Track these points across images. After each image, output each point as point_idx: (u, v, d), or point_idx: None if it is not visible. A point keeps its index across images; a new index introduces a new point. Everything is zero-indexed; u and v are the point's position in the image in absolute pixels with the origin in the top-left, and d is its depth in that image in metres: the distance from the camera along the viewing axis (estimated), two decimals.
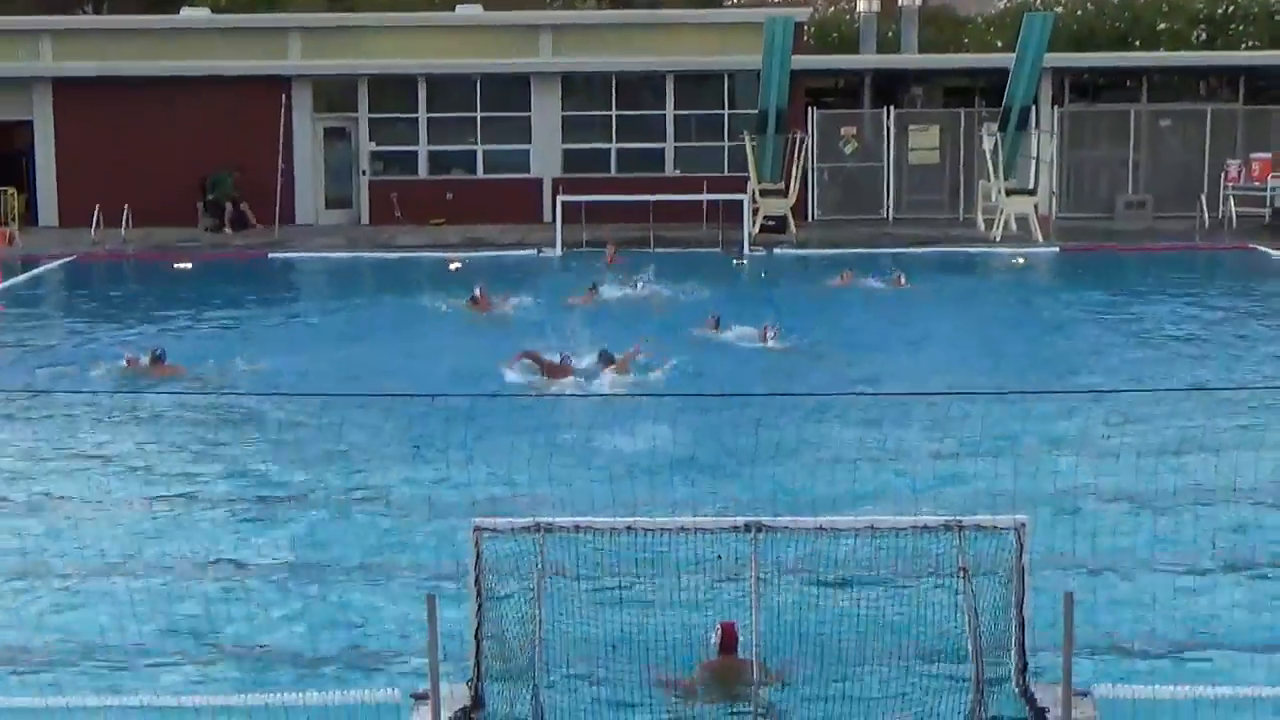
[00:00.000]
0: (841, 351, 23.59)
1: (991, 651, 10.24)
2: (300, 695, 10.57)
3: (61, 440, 18.26)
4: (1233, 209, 38.11)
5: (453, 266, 32.29)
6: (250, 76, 39.71)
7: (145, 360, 21.83)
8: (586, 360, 21.63)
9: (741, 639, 10.86)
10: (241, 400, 19.57)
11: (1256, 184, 38.67)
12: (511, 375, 21.21)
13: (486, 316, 26.54)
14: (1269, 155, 39.07)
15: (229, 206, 39.38)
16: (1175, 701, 10.19)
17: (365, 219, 40.66)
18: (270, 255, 35.49)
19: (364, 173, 40.89)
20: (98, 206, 37.35)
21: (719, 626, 11.10)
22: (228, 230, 38.98)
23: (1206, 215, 37.84)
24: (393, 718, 10.25)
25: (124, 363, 22.01)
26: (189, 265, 33.71)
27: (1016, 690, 10.27)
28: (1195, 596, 12.64)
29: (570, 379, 21.00)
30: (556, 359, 21.42)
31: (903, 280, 29.52)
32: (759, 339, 23.47)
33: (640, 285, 28.52)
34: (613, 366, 21.23)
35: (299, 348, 24.03)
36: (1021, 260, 34.16)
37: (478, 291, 27.17)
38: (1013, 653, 10.31)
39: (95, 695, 10.62)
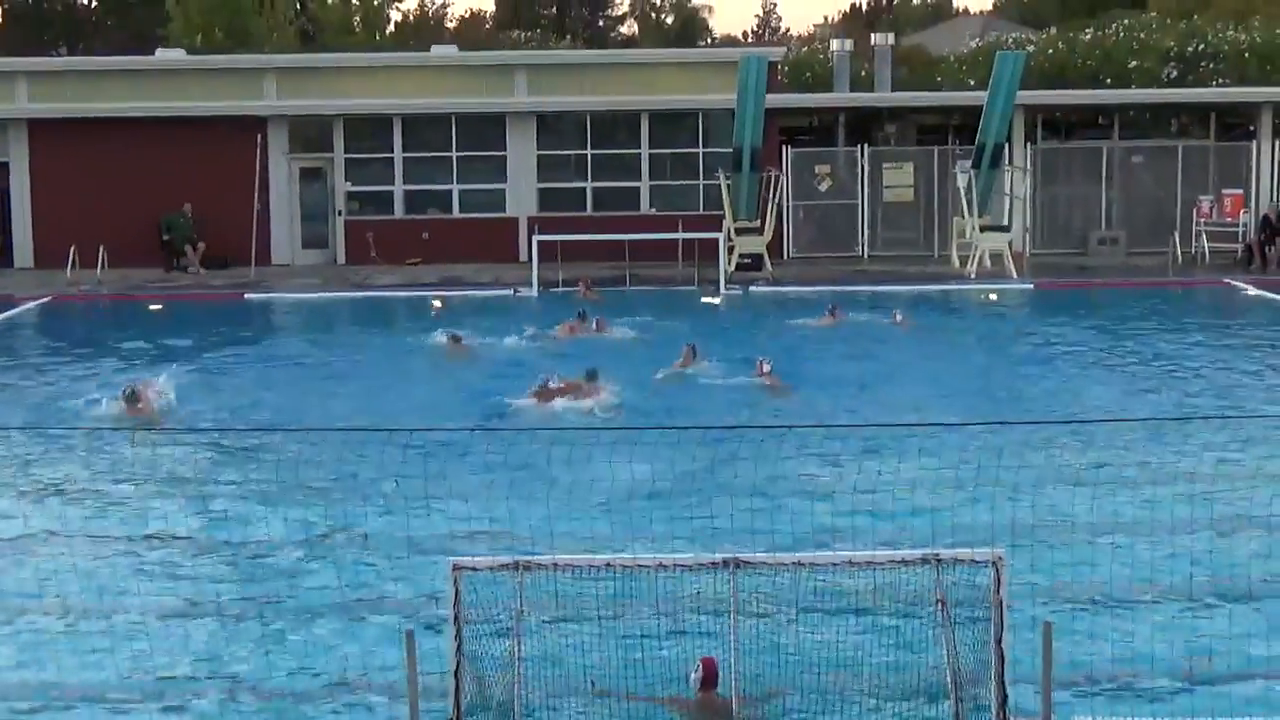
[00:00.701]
0: (828, 386, 23.71)
1: (970, 684, 10.24)
2: None
3: (38, 476, 18.22)
4: (1205, 244, 38.31)
5: (435, 305, 32.31)
6: (225, 117, 39.78)
7: (121, 400, 21.78)
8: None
9: (721, 675, 10.87)
10: (218, 438, 19.54)
11: (1229, 220, 38.91)
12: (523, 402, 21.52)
13: (465, 355, 26.58)
14: (1240, 191, 39.32)
15: (188, 248, 39.35)
16: None
17: (341, 259, 40.68)
18: (246, 296, 35.46)
19: (340, 212, 40.92)
20: (73, 247, 37.37)
21: (700, 663, 11.10)
22: (198, 270, 38.92)
23: (1179, 251, 38.03)
24: None
25: (104, 401, 21.96)
26: (160, 306, 33.68)
27: None
28: (1175, 628, 12.68)
29: (561, 401, 21.61)
30: (551, 384, 22.00)
31: (899, 317, 29.65)
32: (756, 373, 23.49)
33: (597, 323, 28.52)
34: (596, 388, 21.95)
35: (274, 388, 24.05)
36: (995, 296, 34.29)
37: (448, 335, 27.29)
38: (991, 685, 10.31)
39: None
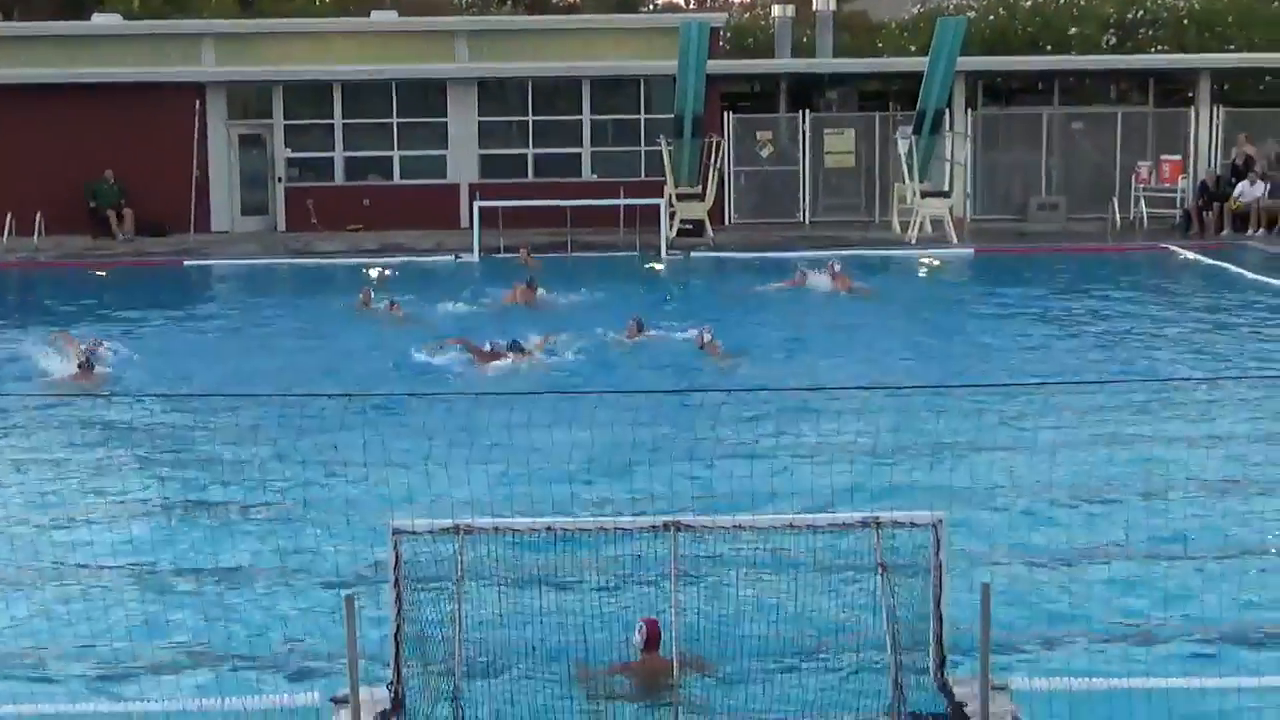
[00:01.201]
0: (771, 351, 23.78)
1: (910, 646, 10.29)
2: (218, 700, 10.52)
3: None
4: (1144, 210, 38.51)
5: (374, 273, 32.21)
6: (163, 83, 39.44)
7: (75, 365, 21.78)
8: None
9: (662, 637, 10.91)
10: (156, 406, 19.43)
11: (1167, 185, 39.10)
12: (437, 360, 21.50)
13: (404, 319, 26.56)
14: (1178, 157, 39.53)
15: (111, 214, 39.04)
16: (1091, 693, 10.29)
17: (281, 226, 40.45)
18: (185, 263, 35.23)
19: (279, 179, 40.68)
20: (10, 215, 37.04)
21: (642, 624, 11.13)
22: (129, 237, 38.62)
23: (1118, 216, 38.24)
24: None
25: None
26: (104, 273, 33.45)
27: (935, 684, 10.33)
28: (1112, 589, 12.77)
29: (502, 362, 21.79)
30: (486, 347, 22.12)
31: (836, 268, 29.68)
32: (696, 341, 23.49)
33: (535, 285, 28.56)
34: (524, 354, 21.97)
35: (214, 354, 23.94)
36: (936, 262, 34.41)
37: (381, 296, 27.55)
38: (931, 647, 10.37)
39: (12, 704, 10.52)
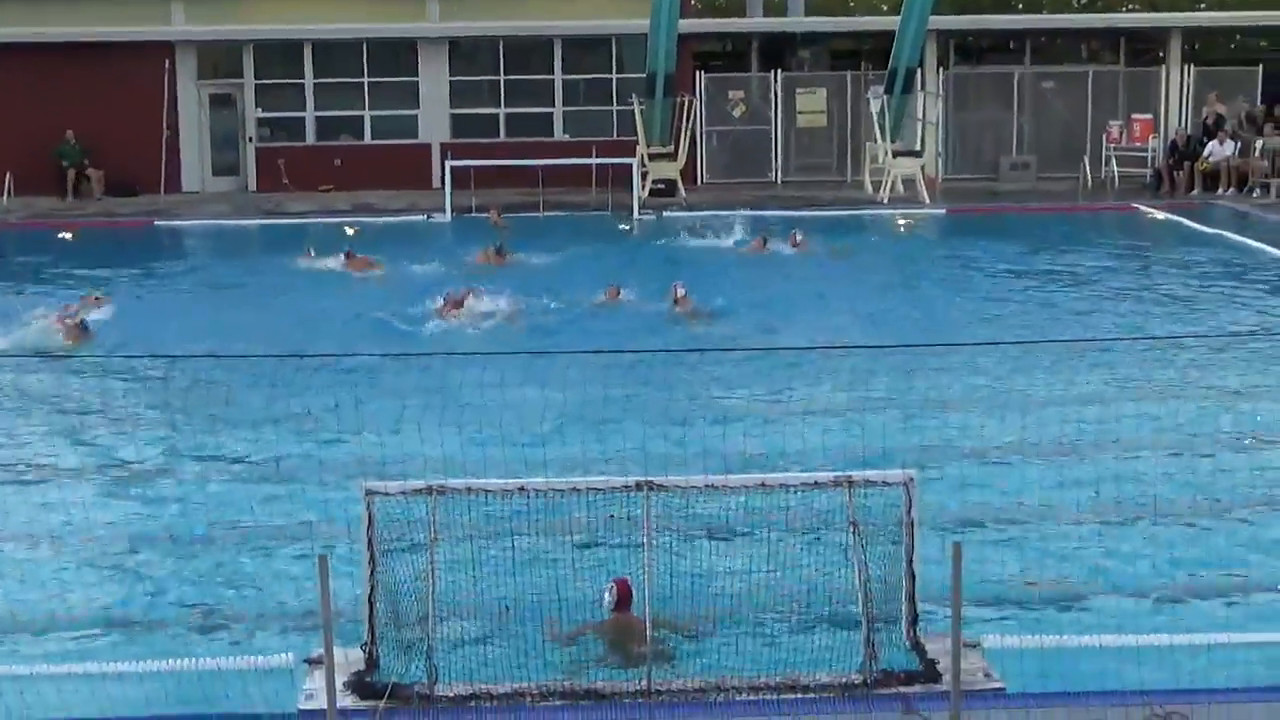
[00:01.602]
0: (744, 309, 23.81)
1: (881, 605, 10.34)
2: (192, 661, 10.52)
3: None
4: (1115, 169, 38.56)
5: (350, 232, 32.17)
6: (133, 43, 39.20)
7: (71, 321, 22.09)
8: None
9: (635, 596, 10.94)
10: (128, 366, 19.39)
11: (1138, 145, 39.15)
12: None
13: (377, 278, 26.66)
14: (1149, 116, 39.58)
15: (72, 173, 38.82)
16: (1062, 650, 10.36)
17: (253, 186, 40.30)
18: (156, 223, 35.09)
19: (250, 139, 40.51)
20: None
21: (613, 584, 11.16)
22: (99, 197, 38.48)
23: (1089, 176, 38.29)
24: (286, 682, 10.22)
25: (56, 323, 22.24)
26: (69, 235, 33.31)
27: (907, 642, 10.39)
28: (1081, 547, 12.84)
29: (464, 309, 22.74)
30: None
31: (798, 238, 29.69)
32: (671, 299, 23.49)
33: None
34: (455, 308, 22.78)
35: (186, 314, 23.88)
36: (908, 221, 34.43)
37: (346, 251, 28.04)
38: (903, 606, 10.42)
39: None
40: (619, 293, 24.30)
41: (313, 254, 28.32)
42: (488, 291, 23.94)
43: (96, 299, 23.73)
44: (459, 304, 22.99)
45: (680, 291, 23.39)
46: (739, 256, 29.32)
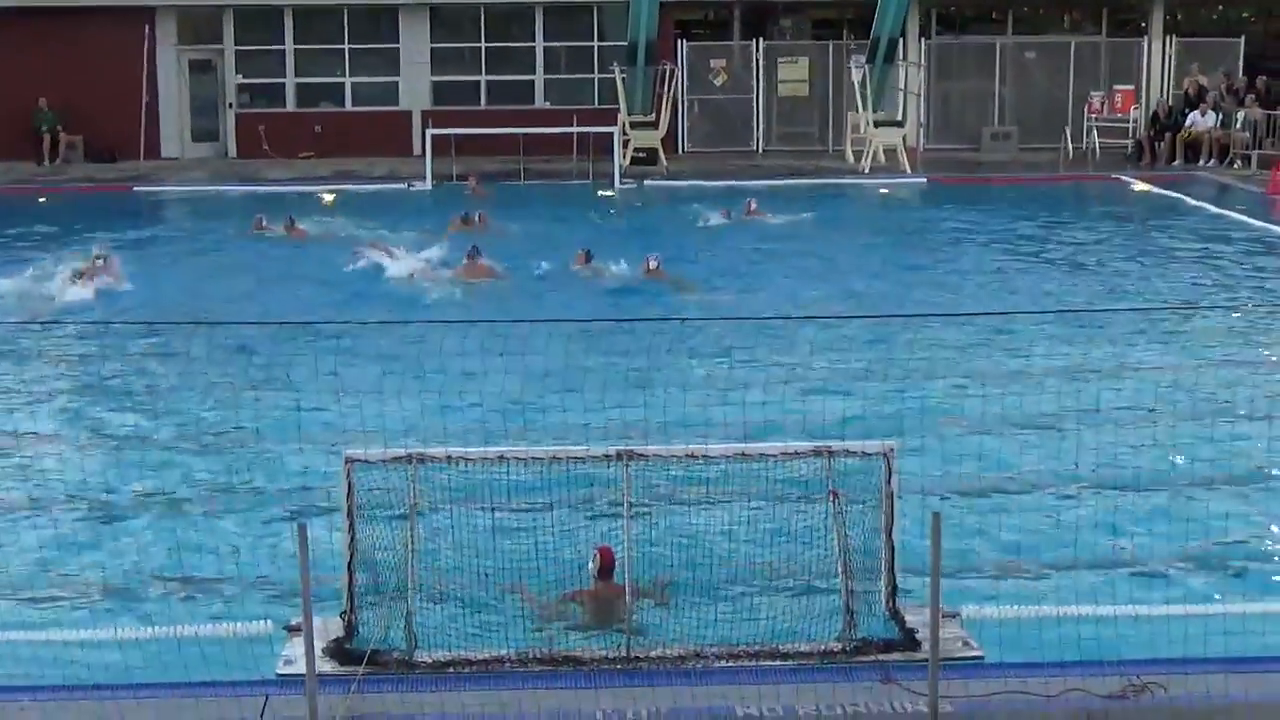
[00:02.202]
0: (719, 279, 23.81)
1: (861, 575, 10.37)
2: (172, 629, 10.53)
3: None
4: (1096, 140, 38.57)
5: (326, 199, 32.15)
6: (113, 8, 38.98)
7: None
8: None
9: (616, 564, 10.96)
10: (108, 332, 19.34)
11: (1119, 115, 39.15)
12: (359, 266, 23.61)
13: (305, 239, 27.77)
14: (1131, 87, 39.58)
15: (47, 138, 38.65)
16: (1040, 620, 10.40)
17: (232, 152, 40.17)
18: (135, 189, 34.97)
19: (230, 105, 40.37)
20: None
21: (597, 551, 11.17)
22: (75, 160, 38.33)
23: (1070, 146, 38.29)
24: (266, 650, 10.23)
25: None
26: (43, 199, 33.24)
27: (886, 612, 10.42)
28: (1059, 517, 12.88)
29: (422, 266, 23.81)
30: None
31: (753, 206, 29.64)
32: (644, 269, 23.48)
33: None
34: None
35: (163, 280, 23.84)
36: (889, 192, 34.46)
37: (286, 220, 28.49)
38: (882, 575, 10.45)
39: None
40: (588, 258, 24.31)
41: (264, 223, 28.33)
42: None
43: (102, 259, 23.93)
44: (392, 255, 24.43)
45: (653, 263, 23.39)
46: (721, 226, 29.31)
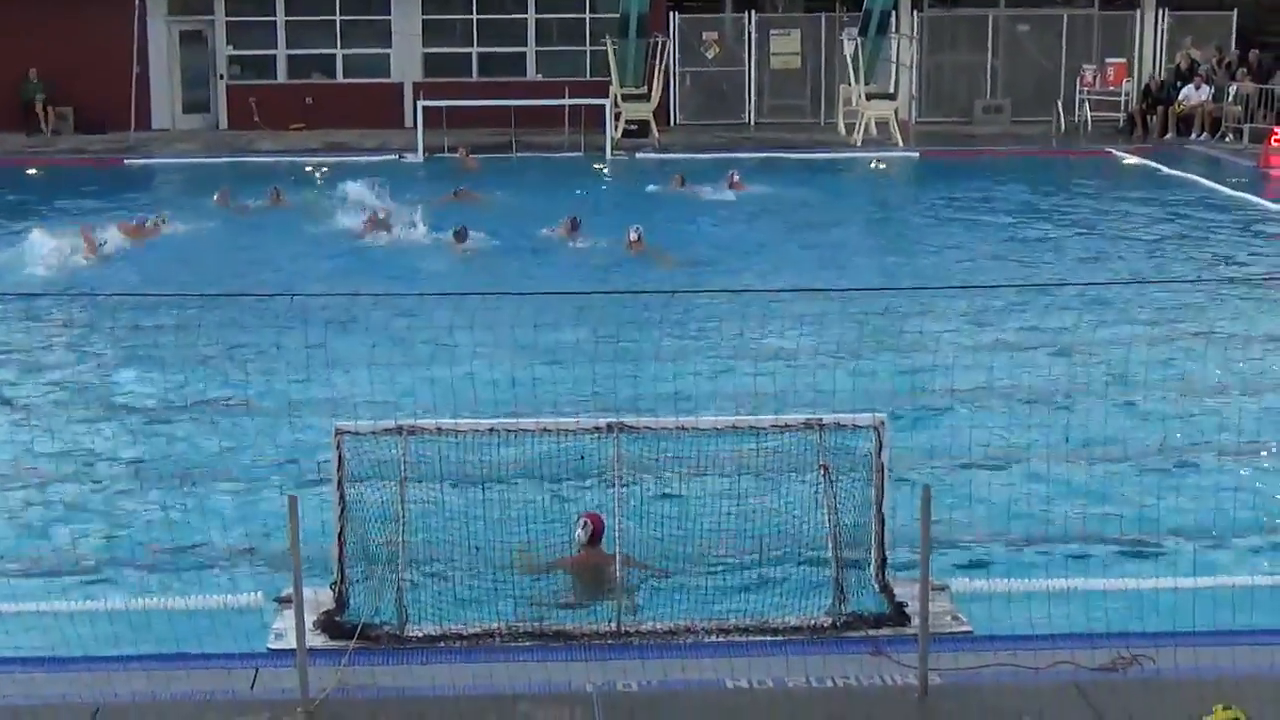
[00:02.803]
0: (702, 252, 23.81)
1: (851, 547, 10.39)
2: (162, 600, 10.54)
3: None
4: (1088, 113, 38.54)
5: (314, 171, 32.10)
6: None
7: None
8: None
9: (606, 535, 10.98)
10: (101, 304, 19.31)
11: (1111, 88, 39.12)
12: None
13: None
14: (1123, 60, 39.53)
15: (42, 110, 38.49)
16: (1029, 594, 10.42)
17: (223, 124, 40.06)
18: (126, 161, 34.89)
19: (221, 77, 40.25)
20: None
21: (586, 518, 11.19)
22: (59, 131, 38.26)
23: (1063, 119, 38.27)
24: (256, 622, 10.24)
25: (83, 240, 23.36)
26: (34, 170, 33.18)
27: (876, 585, 10.44)
28: (1049, 491, 12.90)
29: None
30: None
31: (736, 179, 29.62)
32: (626, 241, 23.47)
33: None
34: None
35: (150, 253, 23.82)
36: (881, 165, 34.44)
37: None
38: (872, 548, 10.47)
39: None
40: (573, 226, 24.37)
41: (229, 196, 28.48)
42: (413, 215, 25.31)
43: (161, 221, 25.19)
44: (380, 224, 24.87)
45: (633, 235, 23.41)
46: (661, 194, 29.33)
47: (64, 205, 28.40)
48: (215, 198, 28.37)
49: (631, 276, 21.42)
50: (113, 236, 24.07)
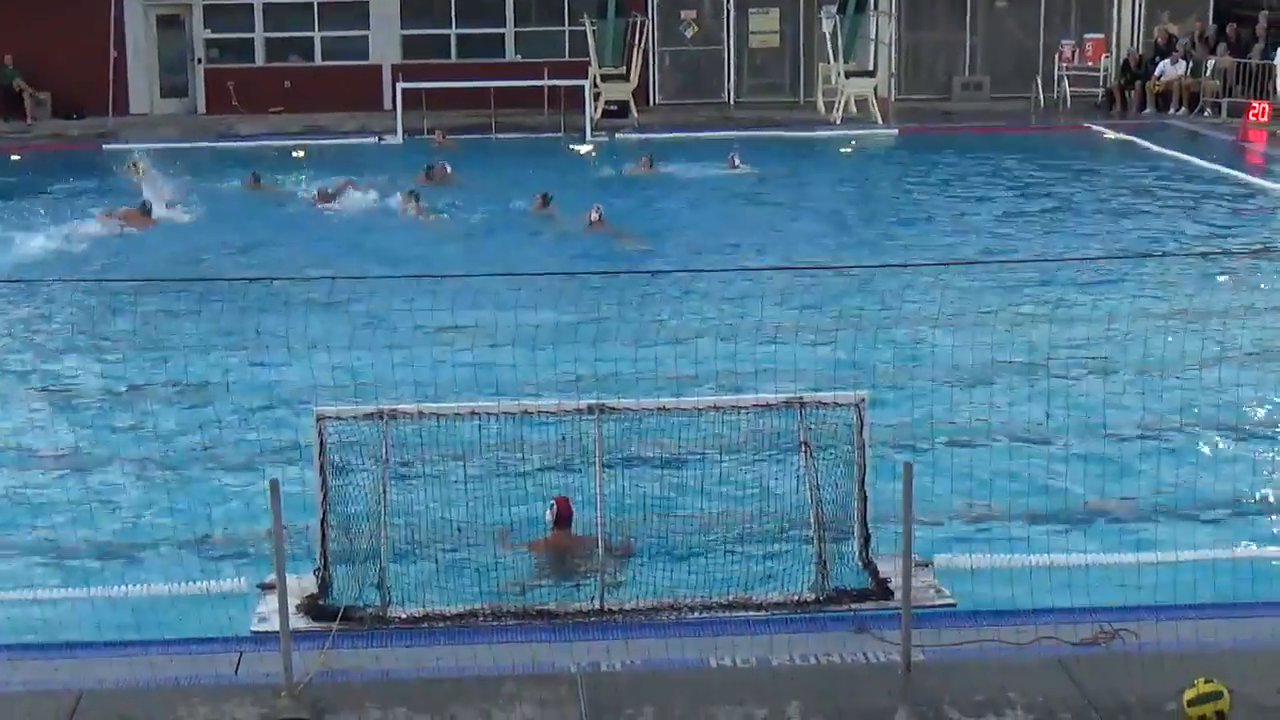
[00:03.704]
0: (675, 231, 23.89)
1: (834, 525, 10.41)
2: (145, 587, 10.53)
3: None
4: (1067, 89, 38.55)
5: (296, 155, 32.06)
6: None
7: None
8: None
9: (580, 515, 11.00)
10: (80, 291, 19.26)
11: (1090, 64, 39.12)
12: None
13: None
14: (1101, 36, 39.54)
15: (24, 96, 38.31)
16: (1012, 570, 10.45)
17: (202, 108, 39.91)
18: (105, 146, 34.77)
19: (199, 61, 40.11)
20: None
21: (554, 502, 11.23)
22: (37, 118, 38.11)
23: (1042, 95, 38.28)
24: (240, 607, 10.24)
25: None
26: (17, 157, 33.08)
27: (859, 562, 10.46)
28: (1031, 466, 12.93)
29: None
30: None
31: (737, 162, 29.61)
32: (585, 219, 23.55)
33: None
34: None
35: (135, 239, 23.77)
36: (855, 144, 34.46)
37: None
38: (855, 526, 10.49)
39: None
40: (545, 202, 24.44)
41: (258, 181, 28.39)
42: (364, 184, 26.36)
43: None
44: (330, 197, 25.77)
45: (594, 215, 23.47)
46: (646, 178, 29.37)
47: (57, 189, 28.38)
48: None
49: (592, 254, 21.47)
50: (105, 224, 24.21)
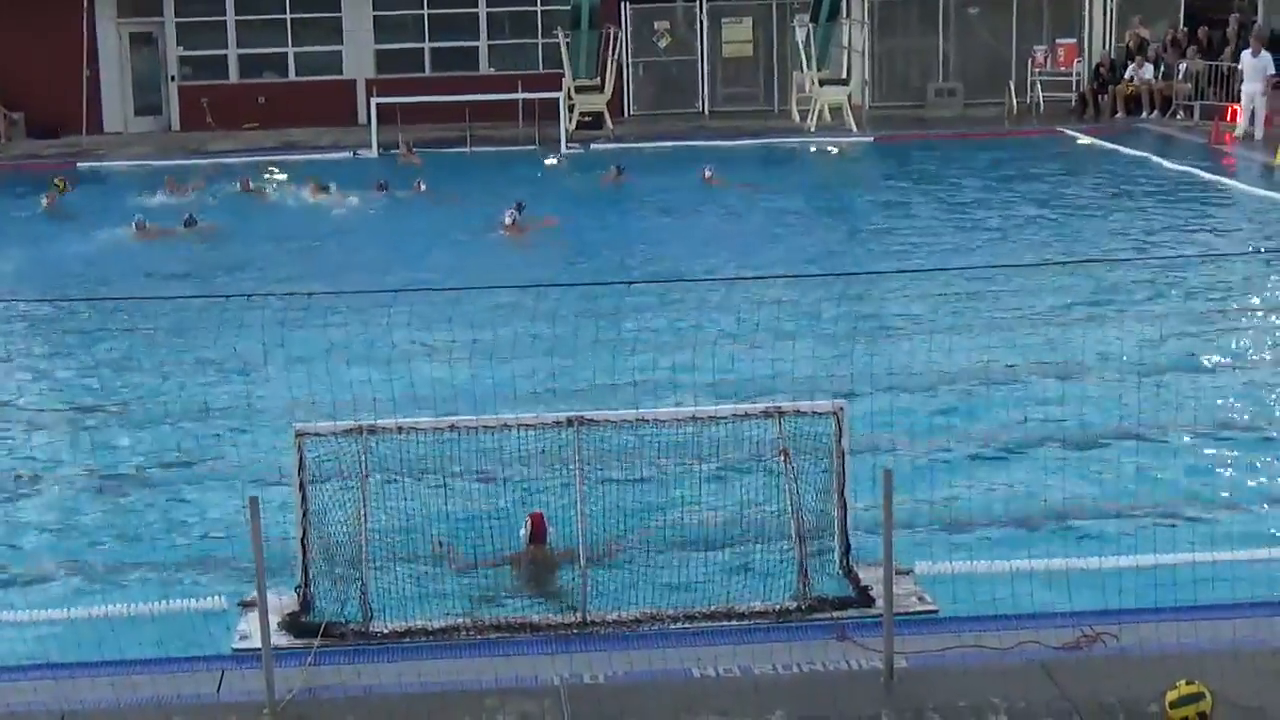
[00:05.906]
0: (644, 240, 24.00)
1: (814, 533, 10.41)
2: (126, 606, 10.50)
3: None
4: (1040, 94, 38.65)
5: (269, 174, 32.07)
6: None
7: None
8: None
9: (556, 529, 11.00)
10: (53, 308, 19.24)
11: (1063, 69, 39.23)
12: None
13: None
14: (1074, 40, 39.65)
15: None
16: (993, 575, 10.47)
17: (176, 125, 39.87)
18: (78, 165, 34.69)
19: (173, 78, 40.06)
20: None
21: (528, 518, 11.22)
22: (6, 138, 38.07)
23: (1015, 101, 38.38)
24: (220, 625, 10.21)
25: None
26: None
27: (840, 571, 10.47)
28: (1009, 472, 12.95)
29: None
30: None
31: (708, 174, 29.60)
32: (499, 224, 24.12)
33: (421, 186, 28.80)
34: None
35: (104, 256, 23.74)
36: (834, 150, 34.51)
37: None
38: (835, 534, 10.50)
39: None
40: (519, 211, 24.56)
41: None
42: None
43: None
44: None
45: (509, 219, 23.60)
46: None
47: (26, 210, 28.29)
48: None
49: (507, 258, 21.64)
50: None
